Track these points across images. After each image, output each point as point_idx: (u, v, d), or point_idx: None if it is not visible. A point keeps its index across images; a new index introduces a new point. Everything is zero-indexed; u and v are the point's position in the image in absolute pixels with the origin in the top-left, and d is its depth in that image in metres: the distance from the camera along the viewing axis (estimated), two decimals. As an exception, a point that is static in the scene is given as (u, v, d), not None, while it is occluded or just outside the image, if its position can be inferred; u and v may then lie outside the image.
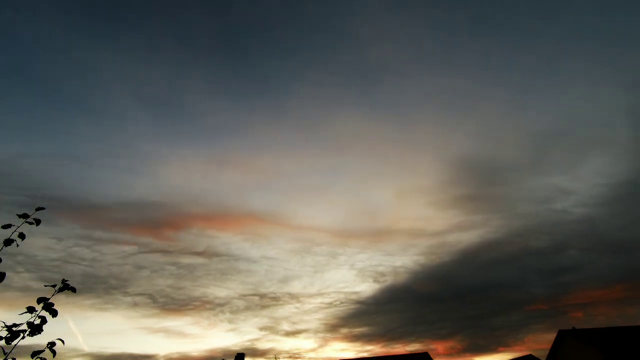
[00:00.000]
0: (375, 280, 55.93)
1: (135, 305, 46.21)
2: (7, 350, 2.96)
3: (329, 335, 51.53)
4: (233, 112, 56.74)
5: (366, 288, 56.54)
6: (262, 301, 50.81)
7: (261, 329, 49.92)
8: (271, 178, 59.67)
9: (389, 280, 56.50)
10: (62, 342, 3.09)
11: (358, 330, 53.14)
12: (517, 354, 40.46)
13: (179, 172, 55.51)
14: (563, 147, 58.02)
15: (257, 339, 48.22)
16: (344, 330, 52.37)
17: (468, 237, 57.66)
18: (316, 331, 51.29)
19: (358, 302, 54.32)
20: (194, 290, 49.85)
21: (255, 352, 44.73)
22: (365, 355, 40.70)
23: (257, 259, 55.11)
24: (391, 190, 62.86)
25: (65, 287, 3.31)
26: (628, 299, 51.44)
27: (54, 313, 3.21)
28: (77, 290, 3.38)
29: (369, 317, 54.65)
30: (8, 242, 3.22)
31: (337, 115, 58.79)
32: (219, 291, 51.16)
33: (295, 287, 53.98)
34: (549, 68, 58.63)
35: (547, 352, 33.43)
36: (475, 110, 60.51)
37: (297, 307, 51.99)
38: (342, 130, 60.06)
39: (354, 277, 57.31)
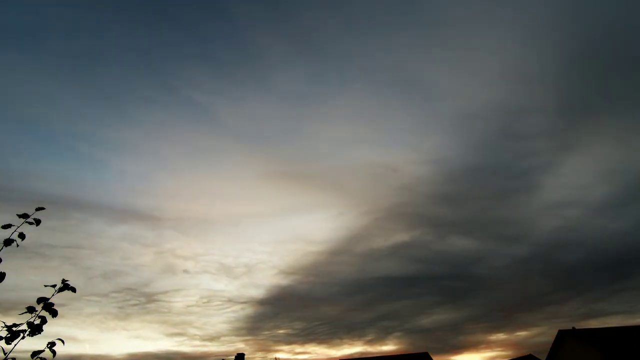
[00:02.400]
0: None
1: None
2: (7, 350, 2.96)
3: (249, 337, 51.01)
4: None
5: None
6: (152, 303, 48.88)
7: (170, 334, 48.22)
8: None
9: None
10: (62, 342, 3.09)
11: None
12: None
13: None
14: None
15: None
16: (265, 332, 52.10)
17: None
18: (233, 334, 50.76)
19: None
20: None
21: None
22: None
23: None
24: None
25: (65, 287, 3.32)
26: None
27: (54, 313, 3.22)
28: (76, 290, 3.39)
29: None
30: (8, 242, 3.22)
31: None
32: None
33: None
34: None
35: (547, 352, 33.47)
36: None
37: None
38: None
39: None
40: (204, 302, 51.16)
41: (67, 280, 3.34)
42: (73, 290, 3.35)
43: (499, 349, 53.75)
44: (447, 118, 60.21)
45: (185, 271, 52.88)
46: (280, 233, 62.98)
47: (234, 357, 22.41)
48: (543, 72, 55.60)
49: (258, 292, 55.70)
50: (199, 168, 59.08)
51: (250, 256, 58.09)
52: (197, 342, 49.16)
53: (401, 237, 61.31)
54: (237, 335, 51.46)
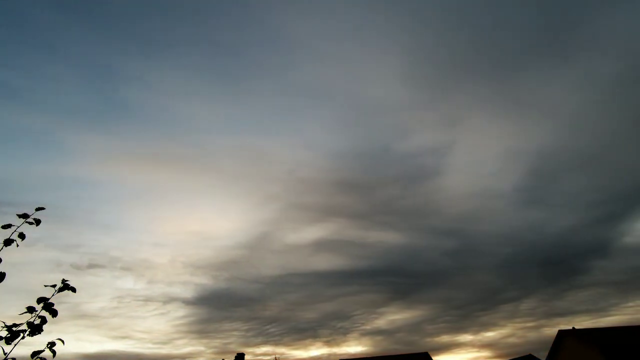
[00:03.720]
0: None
1: None
2: (7, 351, 2.96)
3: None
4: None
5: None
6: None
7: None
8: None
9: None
10: (62, 342, 3.09)
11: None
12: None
13: None
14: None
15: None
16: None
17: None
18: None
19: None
20: None
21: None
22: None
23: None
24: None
25: (65, 287, 3.31)
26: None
27: (54, 313, 3.21)
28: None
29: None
30: (8, 242, 3.22)
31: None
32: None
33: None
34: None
35: (547, 352, 33.46)
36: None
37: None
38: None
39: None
40: (123, 303, 49.76)
41: (67, 280, 3.34)
42: (73, 290, 3.35)
43: (475, 350, 53.63)
44: (336, 107, 60.15)
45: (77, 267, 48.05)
46: (179, 226, 61.32)
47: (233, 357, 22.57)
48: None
49: (183, 292, 54.56)
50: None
51: (146, 251, 56.20)
52: (150, 345, 48.45)
53: (315, 231, 60.79)
54: (185, 338, 50.80)
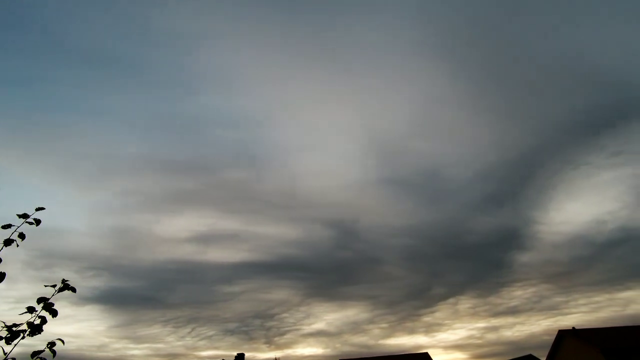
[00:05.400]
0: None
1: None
2: (7, 350, 2.96)
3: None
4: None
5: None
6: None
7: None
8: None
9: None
10: (62, 342, 3.09)
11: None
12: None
13: None
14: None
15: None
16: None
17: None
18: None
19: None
20: None
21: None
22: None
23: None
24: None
25: (65, 287, 3.31)
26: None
27: (54, 313, 3.21)
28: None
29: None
30: (8, 242, 3.22)
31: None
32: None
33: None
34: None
35: (547, 352, 33.45)
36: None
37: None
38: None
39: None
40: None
41: (67, 280, 3.34)
42: (73, 290, 3.35)
43: (443, 352, 52.61)
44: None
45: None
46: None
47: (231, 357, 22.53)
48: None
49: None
50: None
51: None
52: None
53: (190, 221, 57.69)
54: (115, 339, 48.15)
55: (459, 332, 55.16)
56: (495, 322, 55.15)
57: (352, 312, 57.55)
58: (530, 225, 58.82)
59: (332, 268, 61.35)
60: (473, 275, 60.00)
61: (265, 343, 51.60)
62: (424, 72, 59.11)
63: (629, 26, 51.57)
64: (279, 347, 51.47)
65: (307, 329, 54.98)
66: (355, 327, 55.67)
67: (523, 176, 59.92)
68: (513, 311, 54.50)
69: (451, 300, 57.20)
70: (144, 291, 53.33)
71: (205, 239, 59.22)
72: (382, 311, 57.72)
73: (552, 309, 52.96)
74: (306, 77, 60.90)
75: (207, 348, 50.46)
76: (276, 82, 61.03)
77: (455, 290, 58.43)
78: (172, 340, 50.69)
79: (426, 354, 37.16)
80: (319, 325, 55.79)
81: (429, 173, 61.08)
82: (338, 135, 63.76)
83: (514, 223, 59.51)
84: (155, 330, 51.40)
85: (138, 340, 50.10)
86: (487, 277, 59.49)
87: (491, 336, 54.57)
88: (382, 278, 60.35)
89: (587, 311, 51.31)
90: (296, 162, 63.14)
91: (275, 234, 62.04)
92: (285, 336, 53.64)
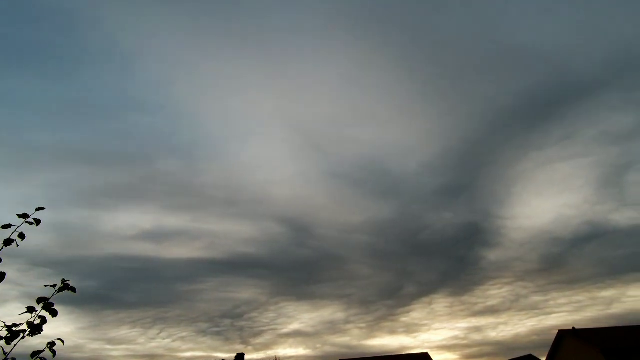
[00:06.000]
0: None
1: None
2: (7, 350, 2.96)
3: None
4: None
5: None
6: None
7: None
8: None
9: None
10: (62, 342, 3.09)
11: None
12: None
13: None
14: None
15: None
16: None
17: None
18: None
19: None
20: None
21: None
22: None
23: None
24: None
25: (66, 287, 3.31)
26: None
27: (54, 313, 3.21)
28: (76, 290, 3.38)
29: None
30: (8, 242, 3.21)
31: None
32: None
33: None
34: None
35: (547, 352, 33.46)
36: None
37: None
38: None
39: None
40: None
41: (67, 280, 3.34)
42: (73, 290, 3.35)
43: (437, 352, 52.09)
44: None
45: None
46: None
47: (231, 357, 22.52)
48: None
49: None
50: None
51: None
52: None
53: (132, 217, 55.30)
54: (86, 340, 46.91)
55: (441, 332, 54.58)
56: (475, 322, 54.56)
57: (326, 312, 56.77)
58: (491, 220, 57.87)
59: (293, 266, 60.08)
60: (444, 273, 59.04)
61: (242, 344, 50.46)
62: (349, 55, 55.34)
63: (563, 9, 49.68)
64: (257, 348, 50.52)
65: (283, 329, 54.05)
66: (332, 328, 54.88)
67: (474, 166, 58.38)
68: (492, 311, 54.06)
69: (425, 299, 56.62)
70: (97, 290, 50.25)
71: (152, 236, 57.12)
72: (357, 311, 56.94)
73: (533, 309, 52.48)
74: (223, 62, 57.06)
75: (186, 349, 49.88)
76: (197, 68, 56.97)
77: (427, 290, 57.90)
78: (143, 341, 49.84)
79: (426, 354, 37.17)
80: (295, 326, 55.09)
81: (372, 165, 59.36)
82: (269, 126, 61.03)
83: (473, 218, 58.40)
84: (124, 331, 50.26)
85: (112, 341, 49.08)
86: (458, 276, 58.45)
87: (476, 337, 53.86)
88: (349, 276, 59.49)
89: (570, 310, 50.90)
90: (232, 154, 60.52)
91: (226, 231, 60.44)
92: (261, 336, 52.86)
